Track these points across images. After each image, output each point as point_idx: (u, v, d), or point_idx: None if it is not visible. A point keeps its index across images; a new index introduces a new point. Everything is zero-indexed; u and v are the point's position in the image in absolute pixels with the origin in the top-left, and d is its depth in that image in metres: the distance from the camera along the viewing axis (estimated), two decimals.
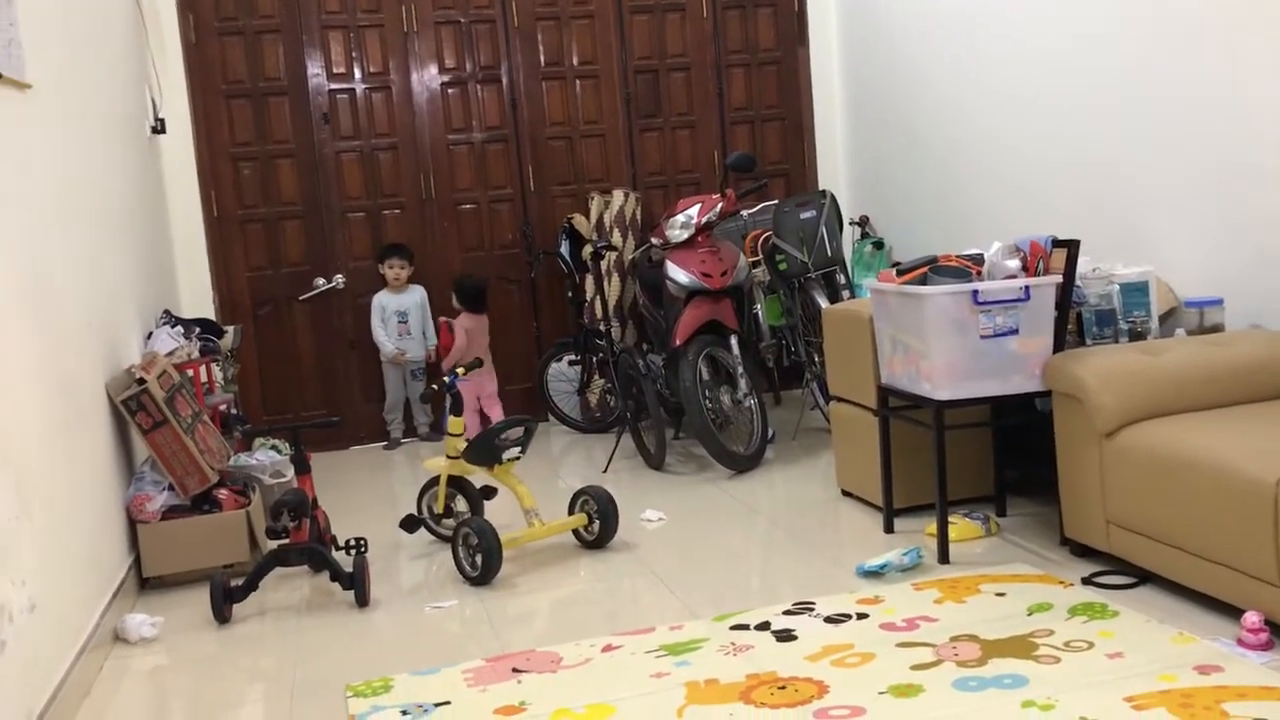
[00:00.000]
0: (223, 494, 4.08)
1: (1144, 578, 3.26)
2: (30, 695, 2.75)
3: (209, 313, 5.75)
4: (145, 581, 4.00)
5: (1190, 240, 4.12)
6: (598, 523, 4.04)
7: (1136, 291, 3.81)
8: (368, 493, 5.13)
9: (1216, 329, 3.79)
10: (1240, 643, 2.77)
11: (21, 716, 2.67)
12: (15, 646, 2.65)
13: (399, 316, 5.95)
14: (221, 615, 3.61)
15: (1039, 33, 4.83)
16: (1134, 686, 2.61)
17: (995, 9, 5.10)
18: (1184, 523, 3.00)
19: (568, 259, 5.98)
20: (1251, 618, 2.77)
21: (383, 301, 5.97)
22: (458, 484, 4.21)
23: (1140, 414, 3.24)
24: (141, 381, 3.93)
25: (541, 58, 6.29)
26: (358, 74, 6.09)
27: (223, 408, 4.82)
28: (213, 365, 4.91)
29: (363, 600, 3.66)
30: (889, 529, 3.96)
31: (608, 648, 3.15)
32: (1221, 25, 3.91)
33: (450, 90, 6.21)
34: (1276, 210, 3.77)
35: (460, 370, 4.26)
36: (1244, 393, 3.32)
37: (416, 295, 6.02)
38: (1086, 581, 3.31)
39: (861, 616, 3.21)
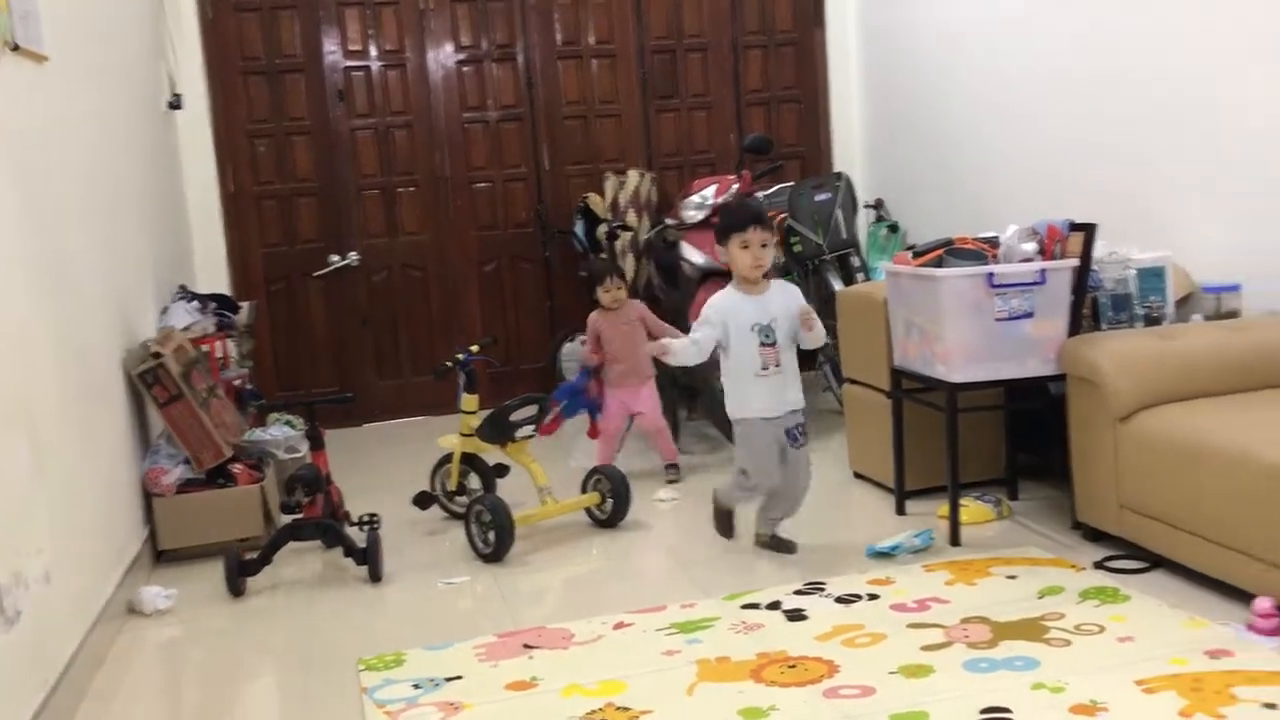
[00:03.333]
0: (237, 468, 4.10)
1: (1156, 562, 3.25)
2: (45, 665, 2.78)
3: (224, 288, 5.77)
4: (160, 554, 4.02)
5: (1208, 226, 4.10)
6: (611, 502, 4.05)
7: (1153, 276, 3.78)
8: (382, 469, 5.15)
9: (1233, 315, 3.77)
10: (1251, 628, 2.77)
11: (37, 685, 2.69)
12: (31, 615, 2.67)
13: None
14: (236, 589, 3.64)
15: (1059, 15, 4.79)
16: (1145, 670, 2.61)
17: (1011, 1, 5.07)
18: (1197, 507, 2.99)
19: (582, 239, 5.97)
20: (1263, 603, 2.77)
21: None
22: (471, 461, 4.23)
23: (1155, 399, 3.24)
24: (157, 355, 3.95)
25: (558, 37, 6.27)
26: (373, 51, 6.09)
27: (237, 383, 4.84)
28: (228, 340, 4.92)
29: (375, 575, 3.68)
30: (900, 511, 3.97)
31: (619, 625, 3.16)
32: (1243, 9, 3.87)
33: (465, 69, 6.20)
34: None
35: (474, 347, 4.26)
36: (1261, 379, 3.31)
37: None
38: (1098, 565, 3.31)
39: (872, 597, 3.22)
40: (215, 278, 5.84)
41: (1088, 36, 4.62)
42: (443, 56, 6.17)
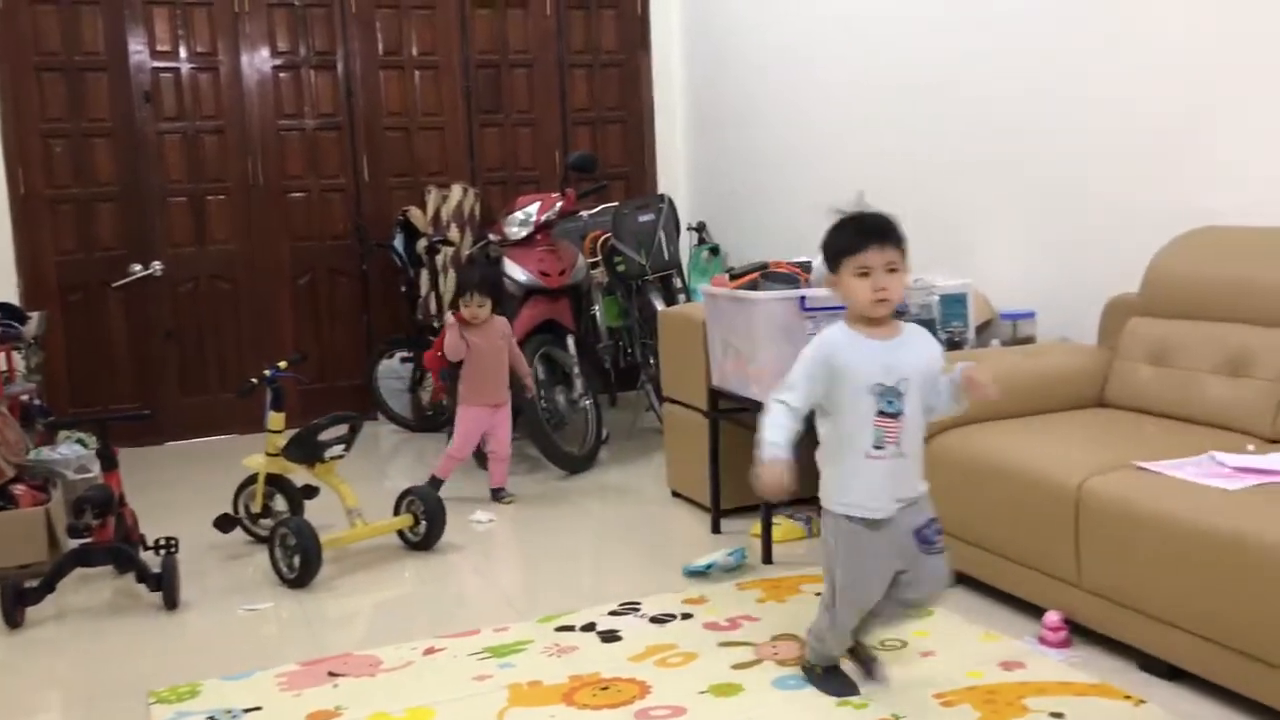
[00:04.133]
0: (20, 490, 3.83)
1: (958, 579, 3.37)
2: None
3: (12, 297, 5.39)
4: None
5: (1007, 256, 4.31)
6: (424, 524, 3.95)
7: (956, 303, 3.94)
8: (183, 490, 4.89)
9: (1028, 340, 3.97)
10: (1042, 640, 2.90)
11: None
12: None
13: None
14: (13, 619, 3.38)
15: (874, 52, 4.97)
16: (943, 684, 2.70)
17: (834, 28, 5.23)
18: (993, 526, 3.12)
19: (402, 253, 5.85)
20: (1052, 616, 2.90)
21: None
22: (277, 482, 4.06)
23: (955, 420, 3.35)
24: None
25: (380, 46, 6.14)
26: (184, 53, 5.82)
27: (24, 398, 4.53)
28: (13, 352, 4.60)
29: (171, 602, 3.48)
30: (716, 530, 4.01)
31: (430, 650, 3.08)
32: (1040, 55, 4.10)
33: (282, 74, 6.00)
34: (1085, 231, 3.98)
35: (282, 364, 4.10)
36: (1052, 402, 3.47)
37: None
38: None
39: (686, 616, 3.23)
40: (2, 286, 5.46)
41: (902, 75, 4.81)
42: (258, 61, 5.95)
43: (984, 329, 4.09)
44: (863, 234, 2.47)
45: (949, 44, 4.53)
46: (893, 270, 2.45)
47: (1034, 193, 4.19)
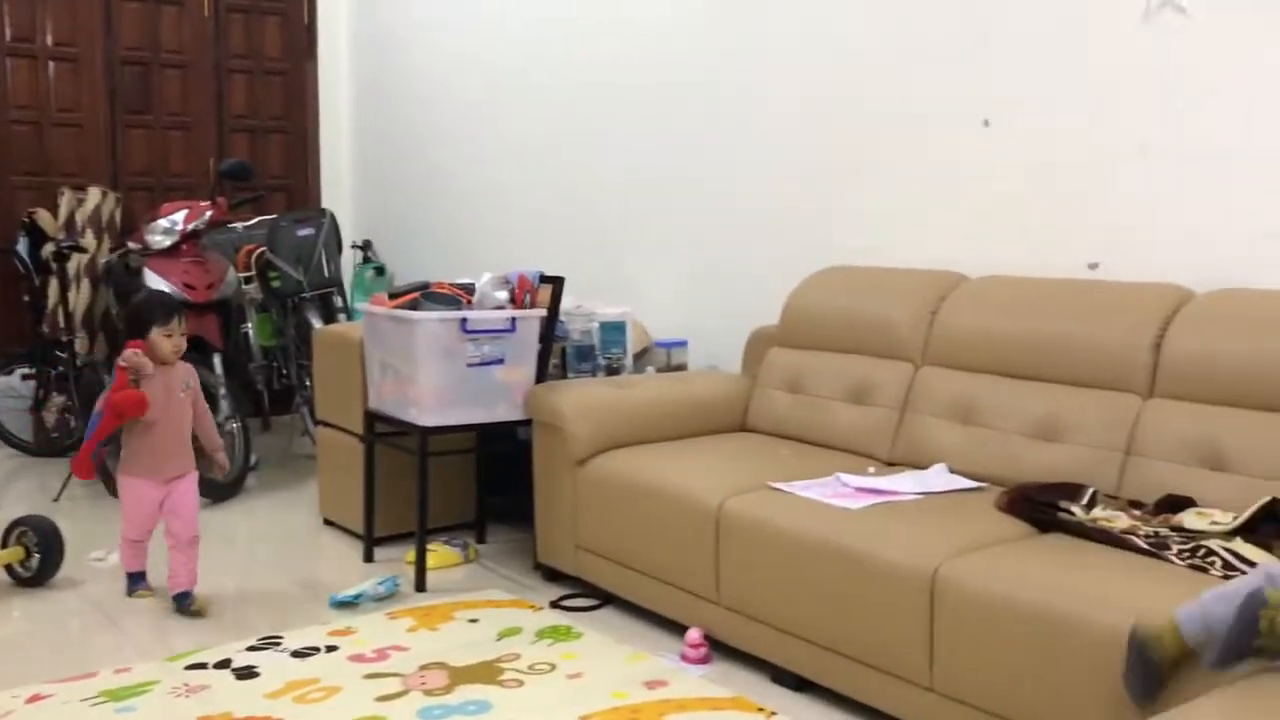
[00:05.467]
0: None
1: (608, 599, 3.43)
2: None
3: None
4: None
5: (664, 286, 4.47)
6: (38, 557, 3.56)
7: (615, 330, 4.04)
8: None
9: (681, 368, 4.13)
10: (684, 657, 2.99)
11: None
12: None
13: None
14: None
15: (548, 83, 5.04)
16: (589, 705, 2.71)
17: (507, 50, 5.26)
18: (641, 545, 3.19)
19: (26, 258, 5.30)
20: (693, 634, 3.00)
21: None
22: None
23: (610, 443, 3.42)
24: None
25: (7, 31, 5.57)
26: None
27: None
28: None
29: None
30: (369, 558, 3.87)
31: (34, 698, 2.76)
32: (697, 99, 4.30)
33: None
34: (734, 264, 4.19)
35: None
36: (700, 426, 3.62)
37: None
38: (554, 605, 3.42)
39: (331, 649, 3.08)
40: None
41: (567, 106, 4.90)
42: None
43: (642, 355, 4.21)
44: None
45: (616, 79, 4.66)
46: None
47: (689, 227, 4.38)
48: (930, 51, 3.52)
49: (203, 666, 2.96)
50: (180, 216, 4.79)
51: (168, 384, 3.31)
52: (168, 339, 3.28)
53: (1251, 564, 2.16)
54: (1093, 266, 3.13)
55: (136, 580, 3.51)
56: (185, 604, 3.36)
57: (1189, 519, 2.42)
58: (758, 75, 4.07)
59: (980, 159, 3.40)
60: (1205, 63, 2.89)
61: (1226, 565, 2.19)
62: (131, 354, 3.22)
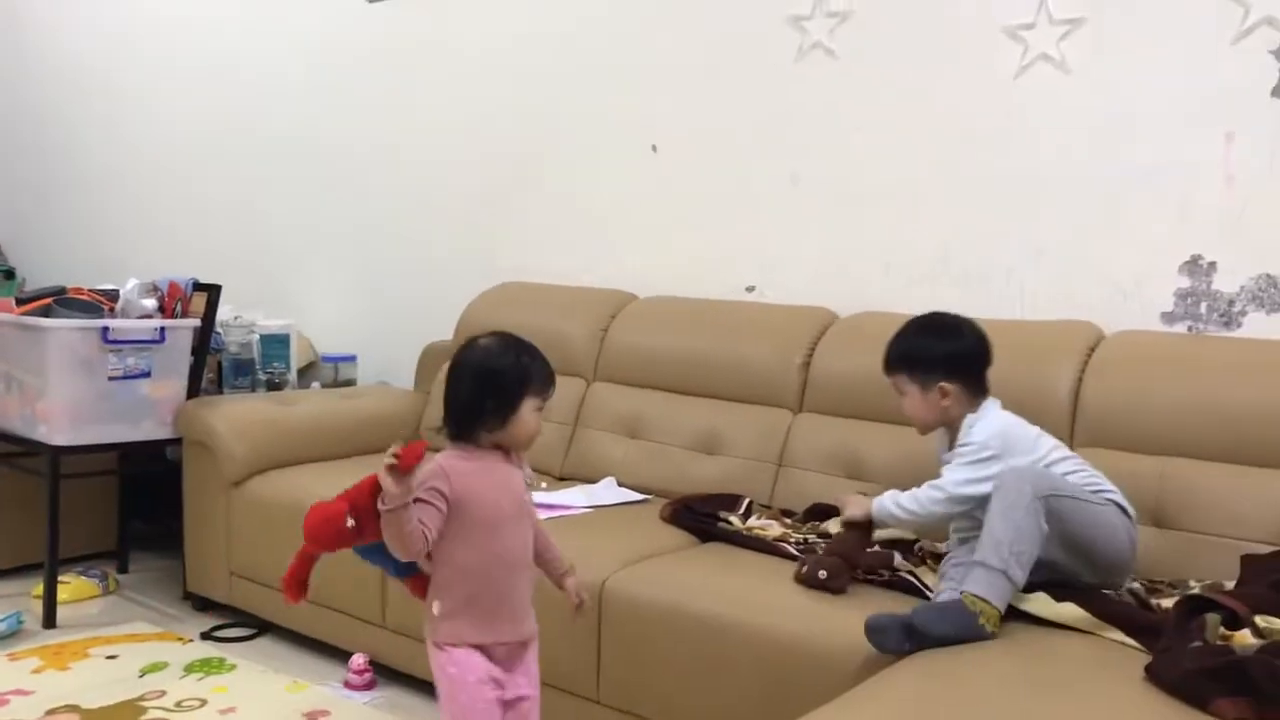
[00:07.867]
0: None
1: (266, 628, 3.24)
2: None
3: None
4: None
5: (331, 300, 4.31)
6: None
7: (277, 343, 3.85)
8: None
9: (350, 383, 3.98)
10: (348, 684, 2.86)
11: None
12: None
13: None
14: None
15: (201, 81, 4.75)
16: None
17: (161, 42, 4.92)
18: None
19: None
20: (357, 659, 2.88)
21: None
22: None
23: (270, 463, 3.24)
24: None
25: None
26: None
27: None
28: None
29: None
30: None
31: None
32: (363, 116, 4.18)
33: None
34: (405, 280, 4.11)
35: None
36: (370, 443, 3.47)
37: None
38: (206, 636, 3.20)
39: None
40: None
41: (230, 106, 4.64)
42: None
43: (307, 370, 4.03)
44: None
45: (278, 89, 4.45)
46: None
47: (355, 241, 4.25)
48: (599, 80, 3.59)
49: None
50: None
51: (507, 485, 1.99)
52: (539, 410, 1.98)
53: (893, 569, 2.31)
54: (750, 289, 3.30)
55: None
56: None
57: (832, 526, 2.58)
58: (425, 96, 4.01)
59: (649, 184, 3.51)
60: (849, 103, 3.12)
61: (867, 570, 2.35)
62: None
